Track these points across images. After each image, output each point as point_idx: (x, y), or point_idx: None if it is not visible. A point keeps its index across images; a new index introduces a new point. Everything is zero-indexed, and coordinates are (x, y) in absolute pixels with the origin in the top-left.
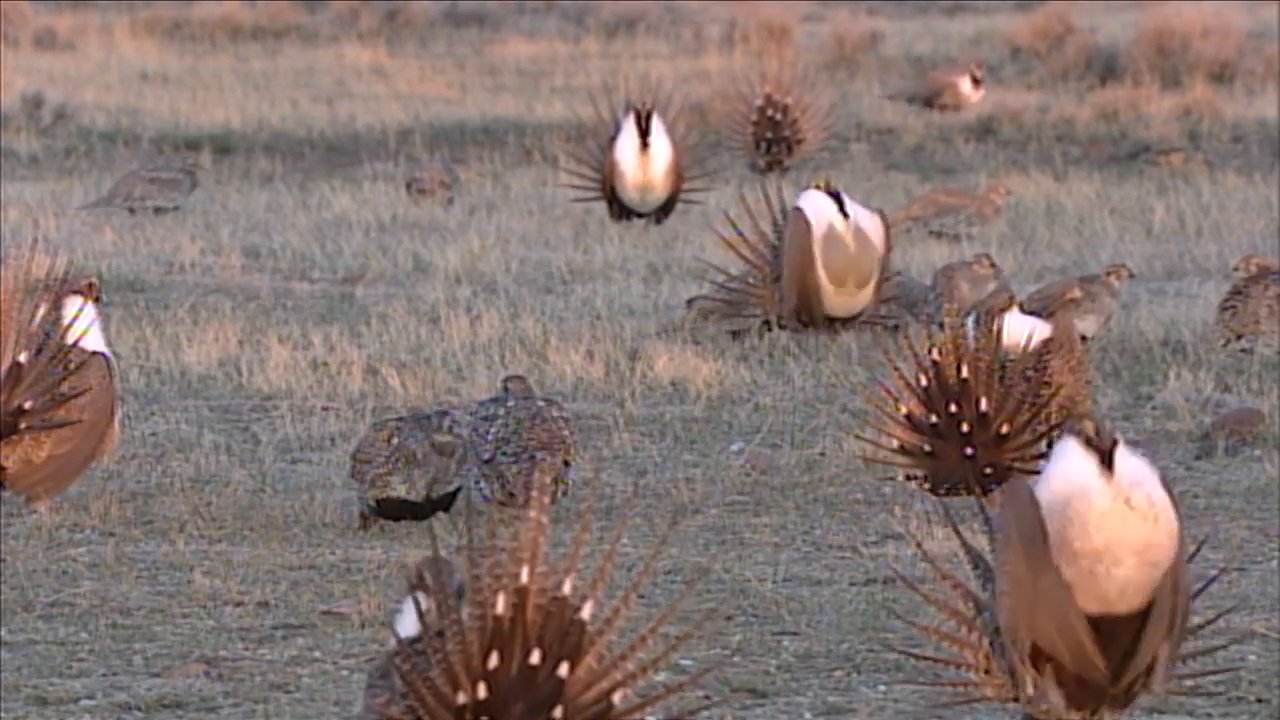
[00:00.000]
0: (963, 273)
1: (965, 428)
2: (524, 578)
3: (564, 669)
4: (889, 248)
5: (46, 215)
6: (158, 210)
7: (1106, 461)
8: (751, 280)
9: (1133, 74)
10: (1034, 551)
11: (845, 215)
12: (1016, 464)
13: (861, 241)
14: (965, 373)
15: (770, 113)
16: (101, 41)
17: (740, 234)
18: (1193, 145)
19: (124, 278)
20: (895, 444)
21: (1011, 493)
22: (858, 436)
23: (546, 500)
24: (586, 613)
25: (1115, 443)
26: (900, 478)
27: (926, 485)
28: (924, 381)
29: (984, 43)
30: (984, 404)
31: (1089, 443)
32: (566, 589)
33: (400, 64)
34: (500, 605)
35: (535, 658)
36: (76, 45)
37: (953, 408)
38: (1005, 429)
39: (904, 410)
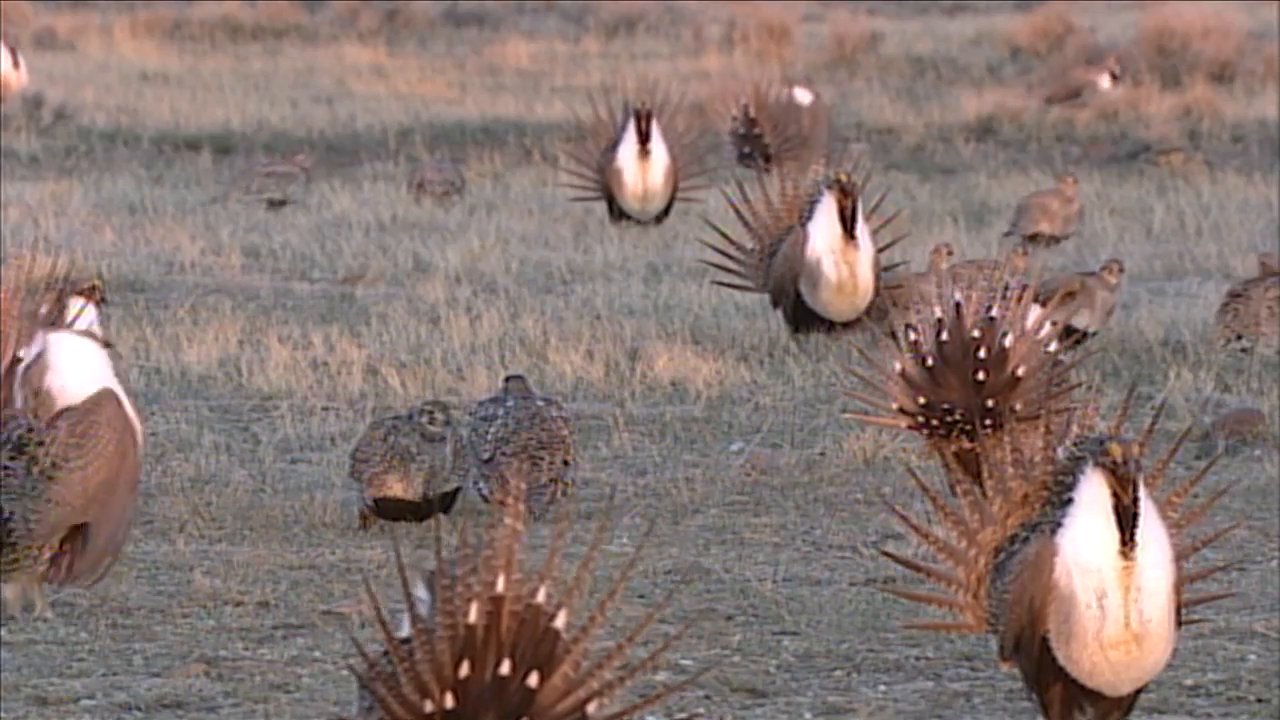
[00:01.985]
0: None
1: (982, 353)
2: (499, 586)
3: (534, 679)
4: (878, 269)
5: (46, 215)
6: (272, 203)
7: (1130, 523)
8: (747, 250)
9: (1133, 74)
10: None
11: (851, 236)
12: (1018, 409)
13: (856, 265)
14: (995, 311)
15: (747, 130)
16: (101, 41)
17: (743, 204)
18: (1193, 145)
19: (124, 278)
20: (897, 368)
21: (1038, 560)
22: (851, 377)
23: (522, 508)
24: (561, 622)
25: (1140, 469)
26: (889, 415)
27: (920, 412)
28: (939, 313)
29: (984, 43)
30: (1009, 339)
31: (1115, 472)
32: (540, 597)
33: (400, 64)
34: (473, 614)
35: (506, 668)
36: (76, 45)
37: (975, 333)
38: (1021, 370)
39: (913, 337)
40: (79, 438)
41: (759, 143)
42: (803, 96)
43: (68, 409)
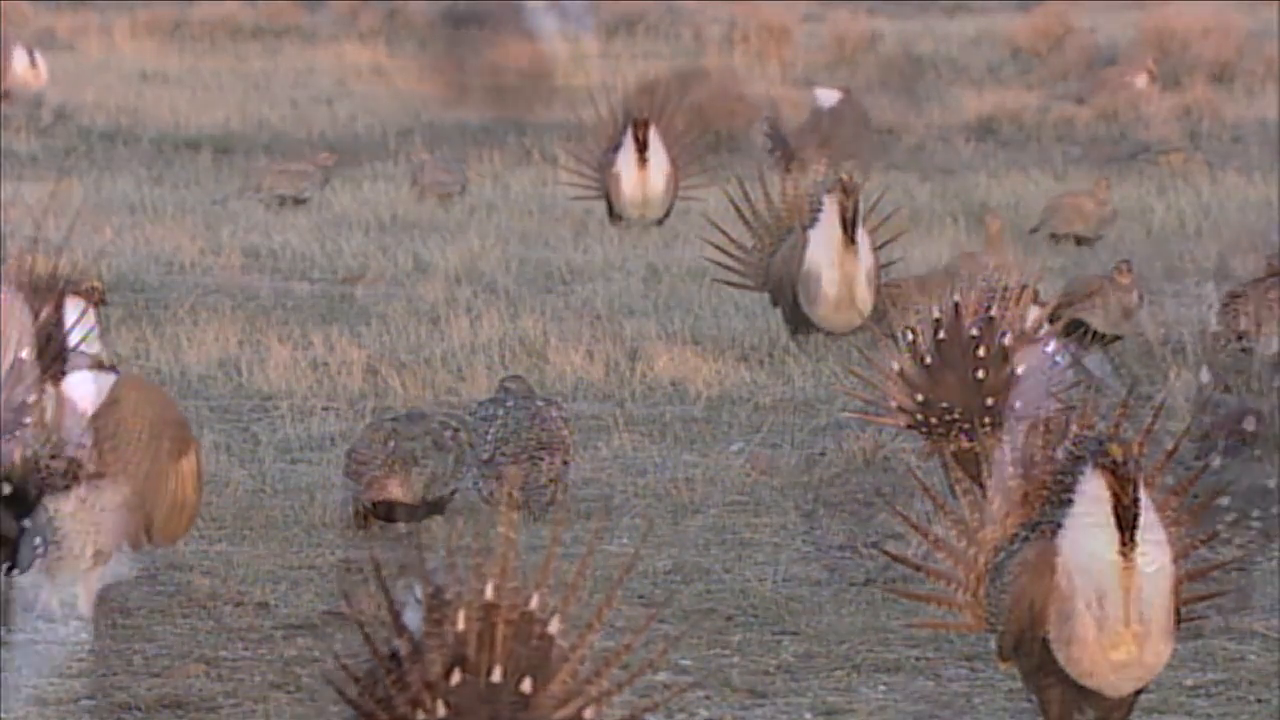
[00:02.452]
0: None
1: (981, 352)
2: (490, 593)
3: (527, 686)
4: (878, 267)
5: (46, 215)
6: (285, 201)
7: (1130, 524)
8: (748, 249)
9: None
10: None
11: (851, 240)
12: (1017, 408)
13: (854, 280)
14: (994, 311)
15: (772, 140)
16: (101, 41)
17: (745, 203)
18: (1193, 145)
19: (124, 278)
20: (895, 368)
21: (1038, 561)
22: (853, 373)
23: (514, 515)
24: (554, 627)
25: (1140, 469)
26: (884, 407)
27: (918, 411)
28: (936, 314)
29: (984, 43)
30: (1008, 339)
31: (1114, 472)
32: (534, 604)
33: (400, 64)
34: (463, 621)
35: (497, 675)
36: (76, 45)
37: (974, 331)
38: (1021, 369)
39: (911, 336)
40: (112, 440)
41: (775, 154)
42: (825, 99)
43: (93, 418)
